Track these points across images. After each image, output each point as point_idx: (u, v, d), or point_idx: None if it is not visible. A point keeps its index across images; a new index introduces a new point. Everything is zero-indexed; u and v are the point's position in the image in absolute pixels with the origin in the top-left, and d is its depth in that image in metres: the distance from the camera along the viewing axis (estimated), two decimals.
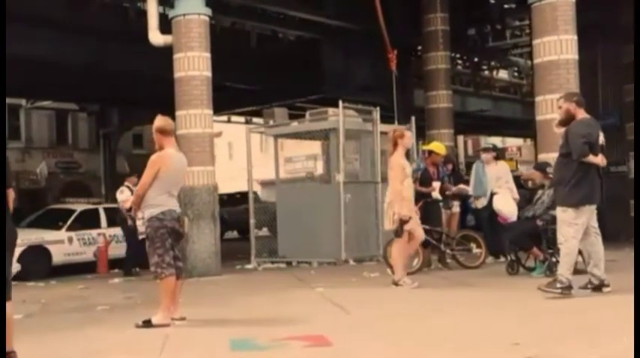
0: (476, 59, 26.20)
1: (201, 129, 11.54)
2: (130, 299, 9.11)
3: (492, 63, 27.25)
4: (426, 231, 10.18)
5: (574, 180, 7.03)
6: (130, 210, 10.05)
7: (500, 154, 30.77)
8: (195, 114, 11.50)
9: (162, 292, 6.72)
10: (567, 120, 7.22)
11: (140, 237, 14.67)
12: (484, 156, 11.71)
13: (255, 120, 30.87)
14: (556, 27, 10.98)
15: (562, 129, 7.30)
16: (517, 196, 11.03)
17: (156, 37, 12.05)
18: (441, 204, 10.62)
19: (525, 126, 33.89)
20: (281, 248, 13.29)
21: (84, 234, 14.14)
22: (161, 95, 19.35)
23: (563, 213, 7.14)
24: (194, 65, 11.48)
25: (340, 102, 12.31)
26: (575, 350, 4.82)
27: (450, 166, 11.88)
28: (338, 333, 5.83)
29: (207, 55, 11.59)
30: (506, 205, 10.18)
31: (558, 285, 7.04)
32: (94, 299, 9.27)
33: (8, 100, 29.45)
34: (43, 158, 31.01)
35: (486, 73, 27.84)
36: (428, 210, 10.28)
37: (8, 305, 4.96)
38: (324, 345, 5.48)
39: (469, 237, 10.74)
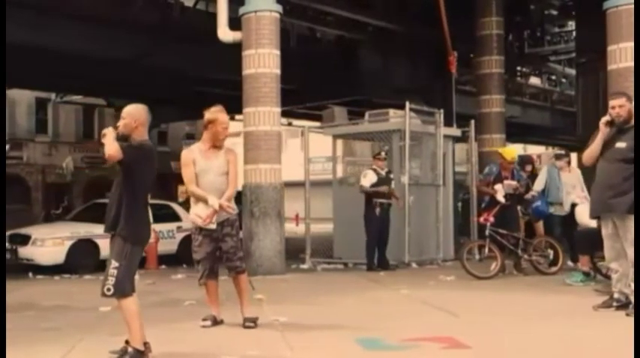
0: (516, 66, 26.02)
1: (269, 126, 11.44)
2: None
3: (524, 69, 27.10)
4: (503, 236, 10.15)
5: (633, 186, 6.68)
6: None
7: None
8: (263, 112, 11.39)
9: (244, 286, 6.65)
10: (627, 121, 6.73)
11: (184, 234, 14.69)
12: (559, 162, 11.43)
13: (282, 120, 30.77)
14: (631, 33, 10.88)
15: (608, 129, 6.75)
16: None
17: (225, 34, 11.93)
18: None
19: (550, 135, 33.79)
20: (337, 249, 13.17)
21: None
22: (193, 94, 19.35)
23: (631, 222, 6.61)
24: (264, 62, 11.36)
25: (407, 104, 12.20)
26: None
27: (528, 168, 11.79)
28: (463, 336, 5.71)
29: (277, 52, 11.49)
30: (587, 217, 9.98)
31: (615, 304, 6.73)
32: (172, 293, 9.18)
33: (37, 94, 29.43)
34: (69, 152, 31.01)
35: (519, 79, 27.76)
36: (504, 214, 10.23)
37: (135, 297, 5.10)
38: (462, 348, 5.40)
39: (546, 243, 10.61)
